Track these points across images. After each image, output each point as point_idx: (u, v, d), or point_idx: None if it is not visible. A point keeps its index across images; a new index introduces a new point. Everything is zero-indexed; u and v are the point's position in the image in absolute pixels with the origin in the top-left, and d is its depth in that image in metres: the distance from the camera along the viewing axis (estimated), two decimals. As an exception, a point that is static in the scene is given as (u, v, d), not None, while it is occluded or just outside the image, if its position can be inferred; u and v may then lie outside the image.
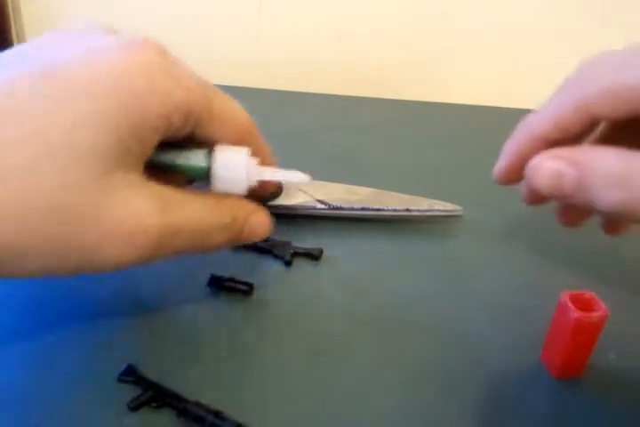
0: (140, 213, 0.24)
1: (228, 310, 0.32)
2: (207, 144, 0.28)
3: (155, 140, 0.25)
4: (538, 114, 0.26)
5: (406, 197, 0.41)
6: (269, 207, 0.39)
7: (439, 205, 0.40)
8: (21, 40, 0.76)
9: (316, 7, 0.70)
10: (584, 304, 0.27)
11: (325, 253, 0.37)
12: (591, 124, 0.24)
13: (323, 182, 0.41)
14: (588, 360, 0.29)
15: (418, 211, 0.40)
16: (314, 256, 0.36)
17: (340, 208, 0.39)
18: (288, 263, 0.36)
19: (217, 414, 0.26)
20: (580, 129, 0.25)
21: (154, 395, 0.26)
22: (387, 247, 0.38)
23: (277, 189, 0.40)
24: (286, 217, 0.39)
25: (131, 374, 0.27)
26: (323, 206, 0.39)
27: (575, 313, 0.26)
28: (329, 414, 0.27)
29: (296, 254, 0.36)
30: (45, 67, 0.24)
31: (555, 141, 0.25)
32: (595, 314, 0.26)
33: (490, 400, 0.28)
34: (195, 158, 0.27)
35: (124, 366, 0.28)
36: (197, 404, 0.26)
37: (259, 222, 0.29)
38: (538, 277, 0.36)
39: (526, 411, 0.27)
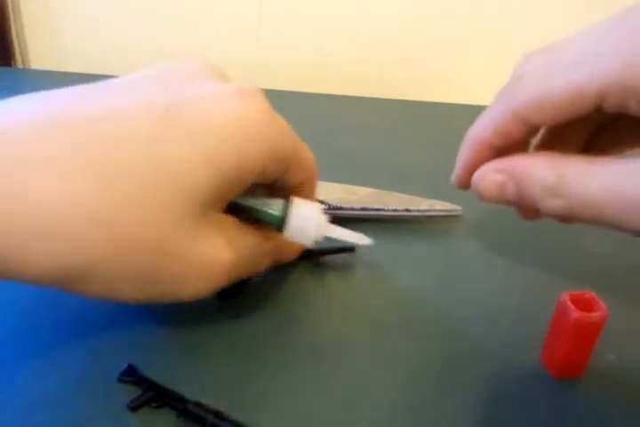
0: (217, 248, 0.26)
1: (228, 310, 0.32)
2: (278, 189, 0.30)
3: (248, 183, 0.27)
4: (480, 122, 0.26)
5: (406, 197, 0.41)
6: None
7: (439, 205, 0.40)
8: (21, 40, 0.76)
9: (316, 7, 0.70)
10: (584, 304, 0.27)
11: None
12: (531, 129, 0.25)
13: (323, 182, 0.41)
14: (587, 360, 0.29)
15: (418, 211, 0.40)
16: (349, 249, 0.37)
17: (340, 208, 0.39)
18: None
19: (217, 414, 0.26)
20: (520, 134, 0.25)
21: (154, 395, 0.26)
22: (387, 247, 0.38)
23: None
24: (286, 217, 0.39)
25: (131, 374, 0.27)
26: (323, 207, 0.39)
27: (575, 313, 0.26)
28: (329, 414, 0.27)
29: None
30: (174, 103, 0.25)
31: (501, 147, 0.26)
32: (595, 314, 0.26)
33: (490, 400, 0.28)
34: (274, 207, 0.29)
35: (124, 366, 0.28)
36: (197, 404, 0.26)
37: (290, 248, 0.33)
38: (538, 277, 0.36)
39: (526, 411, 0.27)
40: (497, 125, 0.25)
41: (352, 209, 0.39)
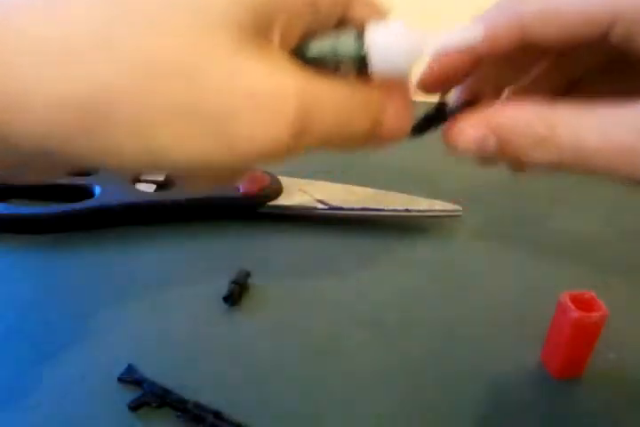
0: (268, 74, 0.20)
1: (227, 310, 0.32)
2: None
3: (298, 27, 0.22)
4: (469, 25, 0.24)
5: (406, 197, 0.41)
6: (269, 207, 0.39)
7: (439, 205, 0.40)
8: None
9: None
10: (584, 304, 0.27)
11: (326, 253, 0.37)
12: (520, 47, 0.23)
13: (323, 182, 0.41)
14: (588, 360, 0.29)
15: (418, 211, 0.40)
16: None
17: (340, 208, 0.39)
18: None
19: (217, 414, 0.26)
20: (508, 46, 0.23)
21: (154, 395, 0.26)
22: (387, 247, 0.38)
23: (278, 189, 0.40)
24: (286, 217, 0.39)
25: (131, 374, 0.27)
26: (323, 206, 0.39)
27: (575, 313, 0.26)
28: (329, 414, 0.27)
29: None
30: None
31: (482, 58, 0.24)
32: (595, 314, 0.26)
33: (490, 400, 0.28)
34: (346, 40, 0.23)
35: (124, 366, 0.28)
36: (197, 404, 0.26)
37: (399, 111, 0.23)
38: (538, 277, 0.36)
39: (526, 411, 0.27)
40: (490, 29, 0.23)
41: (352, 209, 0.39)
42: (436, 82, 0.25)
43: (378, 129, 0.23)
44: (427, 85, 0.25)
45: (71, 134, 0.18)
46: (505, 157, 0.22)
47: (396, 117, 0.24)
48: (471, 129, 0.23)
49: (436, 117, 0.25)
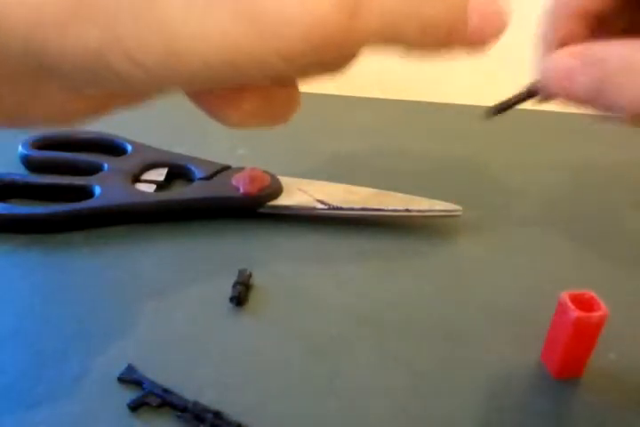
0: None
1: (227, 310, 0.32)
2: None
3: None
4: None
5: (406, 197, 0.41)
6: (269, 207, 0.39)
7: (439, 205, 0.40)
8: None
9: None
10: (584, 304, 0.27)
11: (326, 253, 0.37)
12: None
13: (323, 182, 0.41)
14: (587, 360, 0.29)
15: (418, 211, 0.40)
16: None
17: (340, 208, 0.39)
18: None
19: (217, 414, 0.26)
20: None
21: (154, 395, 0.26)
22: (387, 247, 0.38)
23: (278, 189, 0.40)
24: (286, 217, 0.39)
25: (131, 374, 0.27)
26: (323, 206, 0.39)
27: (575, 313, 0.26)
28: (329, 414, 0.27)
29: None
30: None
31: (597, 16, 0.23)
32: (595, 314, 0.26)
33: (490, 400, 0.28)
34: None
35: (124, 366, 0.28)
36: (197, 404, 0.26)
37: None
38: (538, 277, 0.36)
39: (526, 411, 0.27)
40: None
41: (352, 209, 0.39)
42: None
43: (461, 21, 0.16)
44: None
45: (64, 21, 0.13)
46: (595, 100, 0.21)
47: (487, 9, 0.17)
48: (564, 59, 0.22)
49: (525, 96, 0.26)
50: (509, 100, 0.26)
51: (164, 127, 0.50)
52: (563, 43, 0.24)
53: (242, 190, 0.39)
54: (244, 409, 0.26)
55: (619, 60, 0.21)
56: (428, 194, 0.41)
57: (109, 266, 0.35)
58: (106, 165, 0.41)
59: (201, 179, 0.41)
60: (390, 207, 0.40)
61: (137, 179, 0.41)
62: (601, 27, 0.25)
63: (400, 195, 0.41)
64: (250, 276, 0.34)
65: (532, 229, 0.41)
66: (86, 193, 0.39)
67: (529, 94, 0.25)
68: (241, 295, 0.32)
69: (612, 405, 0.28)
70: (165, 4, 0.13)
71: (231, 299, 0.32)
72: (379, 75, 0.72)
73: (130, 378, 0.27)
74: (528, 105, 0.30)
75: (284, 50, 0.14)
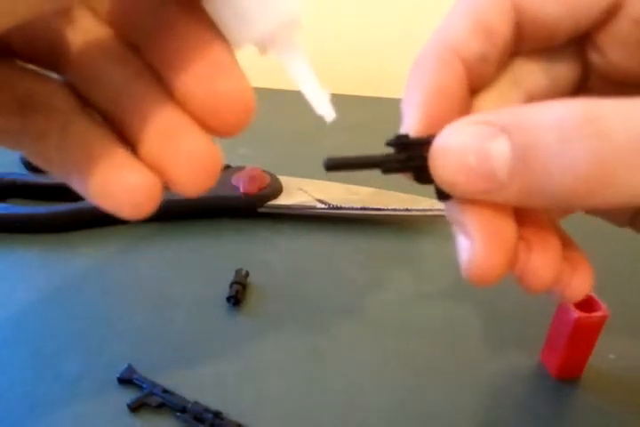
0: None
1: (228, 310, 0.32)
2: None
3: None
4: (448, 18, 0.19)
5: (406, 196, 0.41)
6: (269, 207, 0.39)
7: (439, 205, 0.40)
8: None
9: (315, 6, 0.70)
10: (584, 304, 0.27)
11: (325, 252, 0.37)
12: (521, 35, 0.18)
13: (323, 182, 0.41)
14: (587, 360, 0.29)
15: (418, 211, 0.40)
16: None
17: (340, 208, 0.39)
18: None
19: (217, 414, 0.26)
20: (508, 36, 0.18)
21: (154, 395, 0.26)
22: (387, 247, 0.38)
23: (278, 189, 0.40)
24: (286, 217, 0.39)
25: (131, 374, 0.27)
26: (323, 206, 0.39)
27: (575, 313, 0.26)
28: (329, 414, 0.27)
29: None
30: None
31: (479, 65, 0.18)
32: (595, 314, 0.26)
33: (490, 400, 0.28)
34: None
35: (123, 366, 0.28)
36: (197, 404, 0.26)
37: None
38: (538, 277, 0.36)
39: (526, 411, 0.27)
40: (477, 15, 0.17)
41: (352, 209, 0.39)
42: (433, 122, 0.18)
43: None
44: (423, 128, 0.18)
45: None
46: (516, 183, 0.15)
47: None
48: (470, 128, 0.16)
49: (374, 164, 0.19)
50: (354, 159, 0.19)
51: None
52: (435, 102, 0.18)
53: (242, 190, 0.39)
54: (243, 409, 0.26)
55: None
56: (428, 194, 0.41)
57: (109, 266, 0.35)
58: (106, 165, 0.41)
59: (201, 179, 0.41)
60: (390, 207, 0.40)
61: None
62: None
63: (400, 195, 0.41)
64: (247, 275, 0.34)
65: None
66: (86, 193, 0.39)
67: (379, 165, 0.19)
68: (238, 295, 0.32)
69: (611, 405, 0.28)
70: None
71: (228, 298, 0.32)
72: (379, 73, 0.72)
73: (130, 378, 0.27)
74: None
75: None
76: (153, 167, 0.16)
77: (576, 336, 0.27)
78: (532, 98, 0.20)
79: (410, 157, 0.18)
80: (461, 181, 0.16)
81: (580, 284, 0.20)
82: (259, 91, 0.53)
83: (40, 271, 0.34)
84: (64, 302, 0.32)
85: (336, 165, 0.19)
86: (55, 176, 0.17)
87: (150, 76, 0.16)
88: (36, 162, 0.17)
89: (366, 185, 0.42)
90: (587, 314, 0.26)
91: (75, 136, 0.16)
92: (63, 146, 0.16)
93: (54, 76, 0.16)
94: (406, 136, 0.18)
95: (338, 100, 0.58)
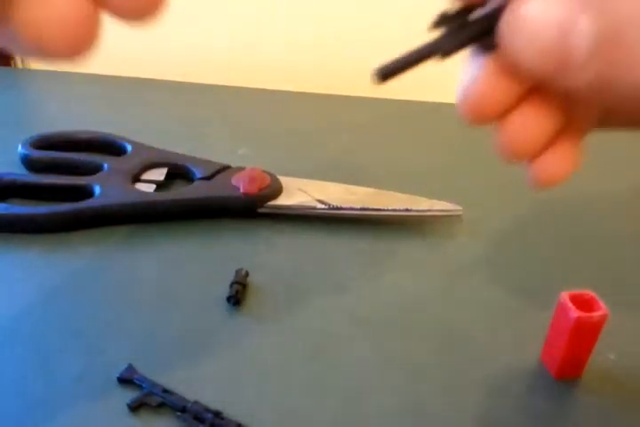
0: None
1: (227, 310, 0.32)
2: None
3: None
4: None
5: (406, 197, 0.41)
6: (269, 207, 0.39)
7: (439, 205, 0.40)
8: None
9: (315, 6, 0.70)
10: (584, 304, 0.27)
11: (325, 253, 0.37)
12: None
13: (323, 182, 0.41)
14: (587, 360, 0.29)
15: (418, 211, 0.40)
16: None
17: (340, 208, 0.39)
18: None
19: (217, 414, 0.26)
20: None
21: (154, 395, 0.26)
22: (387, 247, 0.38)
23: (278, 189, 0.40)
24: (286, 217, 0.39)
25: (131, 374, 0.27)
26: (323, 206, 0.39)
27: (575, 313, 0.26)
28: (329, 414, 0.27)
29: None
30: None
31: None
32: (595, 314, 0.26)
33: (490, 400, 0.28)
34: None
35: (123, 366, 0.28)
36: (197, 404, 0.26)
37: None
38: (538, 277, 0.36)
39: (526, 411, 0.27)
40: None
41: (352, 209, 0.39)
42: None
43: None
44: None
45: None
46: (592, 64, 0.14)
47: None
48: (550, 4, 0.14)
49: (428, 52, 0.18)
50: (406, 57, 0.18)
51: (163, 127, 0.50)
52: None
53: (242, 190, 0.39)
54: (243, 409, 0.26)
55: None
56: (427, 194, 0.41)
57: (109, 266, 0.35)
58: (106, 165, 0.41)
59: (201, 179, 0.41)
60: (390, 207, 0.40)
61: (137, 179, 0.41)
62: None
63: (400, 195, 0.41)
64: (247, 275, 0.34)
65: (532, 229, 0.41)
66: (86, 193, 0.39)
67: (436, 49, 0.18)
68: (238, 295, 0.32)
69: (611, 405, 0.28)
70: None
71: (228, 298, 0.32)
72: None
73: (130, 378, 0.27)
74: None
75: None
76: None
77: (576, 336, 0.27)
78: None
79: (466, 25, 0.16)
80: (535, 54, 0.15)
81: (554, 164, 0.18)
82: (259, 91, 0.53)
83: (40, 271, 0.34)
84: (64, 302, 0.32)
85: (391, 72, 0.17)
86: None
87: None
88: None
89: (366, 185, 0.42)
90: (587, 314, 0.26)
91: None
92: None
93: None
94: (446, 13, 0.17)
95: (338, 101, 0.59)
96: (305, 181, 0.41)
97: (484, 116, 0.17)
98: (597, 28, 0.13)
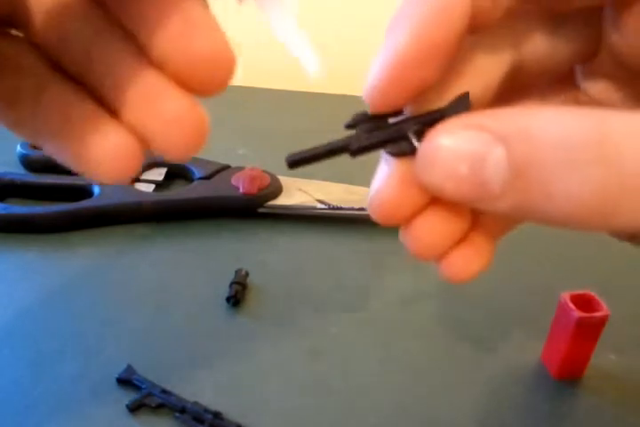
0: None
1: (227, 310, 0.32)
2: None
3: None
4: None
5: (406, 197, 0.41)
6: (269, 207, 0.39)
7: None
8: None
9: (315, 6, 0.70)
10: (585, 304, 0.27)
11: (325, 252, 0.37)
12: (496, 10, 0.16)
13: (323, 182, 0.41)
14: (588, 361, 0.28)
15: (418, 211, 0.40)
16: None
17: (340, 208, 0.39)
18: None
19: (216, 414, 0.26)
20: (460, 31, 0.16)
21: (153, 395, 0.26)
22: (386, 247, 0.38)
23: (278, 189, 0.40)
24: (286, 217, 0.39)
25: (130, 375, 0.27)
26: (323, 206, 0.39)
27: (576, 313, 0.26)
28: (329, 414, 0.27)
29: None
30: None
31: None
32: (596, 314, 0.26)
33: (490, 400, 0.28)
34: None
35: (123, 367, 0.28)
36: (197, 404, 0.26)
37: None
38: (538, 277, 0.36)
39: (526, 411, 0.27)
40: (432, 12, 0.16)
41: (352, 209, 0.39)
42: (395, 88, 0.17)
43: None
44: (381, 99, 0.18)
45: None
46: (509, 197, 0.14)
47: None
48: (463, 133, 0.15)
49: (338, 150, 0.19)
50: (317, 149, 0.19)
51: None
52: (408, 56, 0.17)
53: (241, 190, 0.39)
54: (243, 409, 0.26)
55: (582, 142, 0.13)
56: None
57: (108, 266, 0.35)
58: (105, 165, 0.41)
59: (200, 178, 0.41)
60: (390, 207, 0.39)
61: (136, 178, 0.41)
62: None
63: (400, 195, 0.41)
64: (247, 275, 0.34)
65: (532, 229, 0.41)
66: (86, 193, 0.39)
67: (346, 147, 0.19)
68: (237, 295, 0.32)
69: (612, 405, 0.28)
70: None
71: (228, 299, 0.32)
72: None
73: (129, 378, 0.27)
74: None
75: None
76: (135, 132, 0.15)
77: (577, 336, 0.27)
78: (526, 61, 0.18)
79: (379, 128, 0.18)
80: (450, 187, 0.15)
81: (461, 263, 0.19)
82: (259, 91, 0.53)
83: (40, 271, 0.34)
84: (64, 302, 0.32)
85: (299, 161, 0.19)
86: (30, 141, 0.16)
87: (121, 36, 0.15)
88: (10, 128, 0.16)
89: (366, 185, 0.41)
90: (588, 314, 0.26)
91: (49, 100, 0.15)
92: (38, 111, 0.15)
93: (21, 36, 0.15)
94: (366, 113, 0.18)
95: (338, 101, 0.59)
96: (305, 181, 0.41)
97: (392, 220, 0.19)
98: (513, 159, 0.14)
